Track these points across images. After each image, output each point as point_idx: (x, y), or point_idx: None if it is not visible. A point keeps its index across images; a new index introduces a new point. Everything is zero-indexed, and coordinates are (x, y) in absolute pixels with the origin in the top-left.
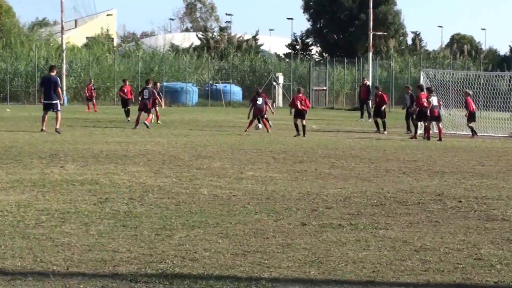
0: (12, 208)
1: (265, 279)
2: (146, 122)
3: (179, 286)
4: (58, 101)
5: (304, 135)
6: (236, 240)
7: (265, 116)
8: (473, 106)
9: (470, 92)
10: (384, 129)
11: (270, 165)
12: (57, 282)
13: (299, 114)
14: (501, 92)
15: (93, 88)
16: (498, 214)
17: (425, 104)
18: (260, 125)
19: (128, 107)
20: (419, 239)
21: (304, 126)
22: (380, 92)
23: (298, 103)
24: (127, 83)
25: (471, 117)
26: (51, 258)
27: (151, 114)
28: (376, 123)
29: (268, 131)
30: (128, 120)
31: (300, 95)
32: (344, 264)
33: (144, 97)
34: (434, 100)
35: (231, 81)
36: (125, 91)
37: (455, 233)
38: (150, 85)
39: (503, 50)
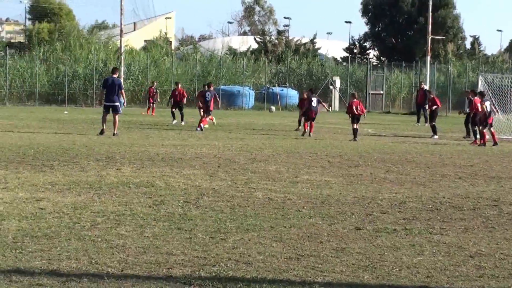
0: (68, 209)
1: (318, 283)
2: (204, 124)
3: None
4: (119, 103)
5: (355, 139)
6: (290, 244)
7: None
8: (478, 107)
9: (477, 91)
10: (435, 133)
11: (326, 169)
12: (112, 284)
13: (356, 119)
14: None
15: (155, 91)
16: None
17: (479, 109)
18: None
19: (182, 111)
20: (474, 245)
21: (356, 130)
22: (432, 96)
23: (354, 109)
24: (179, 85)
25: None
26: (106, 260)
27: (209, 117)
28: (433, 127)
29: (310, 134)
30: (182, 123)
31: (355, 100)
32: (398, 269)
33: (207, 99)
34: (488, 105)
35: (287, 84)
36: (176, 93)
37: (511, 239)
38: (212, 88)
39: None
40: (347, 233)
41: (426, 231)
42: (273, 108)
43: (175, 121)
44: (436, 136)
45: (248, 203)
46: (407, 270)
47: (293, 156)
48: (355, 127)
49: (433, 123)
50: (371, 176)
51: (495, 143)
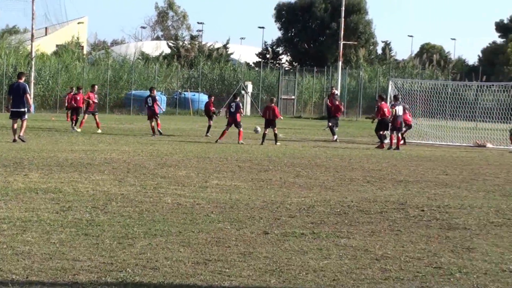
0: None
1: (225, 287)
2: (159, 129)
3: None
4: (25, 109)
5: (276, 143)
6: (198, 249)
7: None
8: (385, 111)
9: (384, 97)
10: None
11: (235, 174)
12: None
13: (269, 124)
14: (468, 101)
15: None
16: (460, 223)
17: (387, 113)
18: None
19: (76, 115)
20: (380, 248)
21: (275, 135)
22: (337, 103)
23: (267, 113)
24: (81, 91)
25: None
26: (11, 267)
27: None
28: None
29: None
30: (73, 128)
31: (272, 105)
32: (305, 273)
33: (149, 104)
34: (399, 109)
35: (199, 89)
36: (77, 98)
37: (416, 242)
38: (154, 93)
39: (471, 60)
40: (255, 238)
41: (334, 234)
42: (258, 128)
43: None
44: (335, 137)
45: (156, 208)
46: (314, 273)
47: (203, 161)
48: (267, 131)
49: (330, 124)
50: (280, 180)
51: (397, 148)
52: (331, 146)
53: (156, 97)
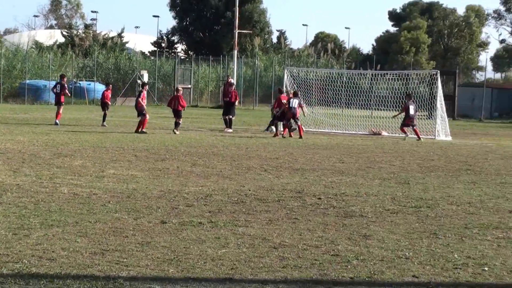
0: None
1: (123, 277)
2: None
3: (35, 286)
4: None
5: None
6: (95, 239)
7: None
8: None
9: (283, 90)
10: (230, 127)
11: (132, 163)
12: None
13: (176, 114)
14: (363, 90)
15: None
16: (356, 210)
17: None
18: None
19: None
20: (278, 236)
21: (177, 123)
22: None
23: (173, 103)
24: None
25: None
26: None
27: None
28: (225, 120)
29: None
30: None
31: (179, 94)
32: (203, 261)
33: (57, 91)
34: (294, 102)
35: (95, 79)
36: None
37: (314, 230)
38: (64, 81)
39: (366, 49)
40: (153, 227)
41: (231, 223)
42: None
43: None
44: (231, 130)
45: (52, 199)
46: (212, 262)
47: (99, 150)
48: (178, 121)
49: (231, 117)
50: (177, 169)
51: (298, 136)
52: (228, 135)
53: (65, 85)
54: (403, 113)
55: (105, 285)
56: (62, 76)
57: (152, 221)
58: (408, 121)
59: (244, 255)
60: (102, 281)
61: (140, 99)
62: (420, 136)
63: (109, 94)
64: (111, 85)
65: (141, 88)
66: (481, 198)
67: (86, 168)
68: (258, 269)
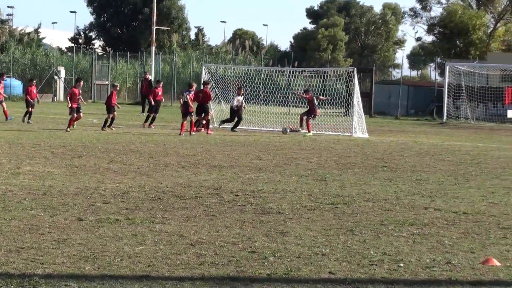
0: None
1: (38, 275)
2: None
3: None
4: None
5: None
6: (10, 237)
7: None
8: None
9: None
10: (151, 123)
11: (49, 160)
12: None
13: (111, 109)
14: (281, 87)
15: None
16: (274, 207)
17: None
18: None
19: None
20: (195, 233)
21: (112, 119)
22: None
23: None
24: None
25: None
26: None
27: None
28: (148, 117)
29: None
30: None
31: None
32: (120, 259)
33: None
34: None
35: (11, 74)
36: None
37: (231, 227)
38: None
39: (284, 46)
40: (69, 224)
41: (148, 220)
42: (287, 129)
43: None
44: (152, 127)
45: None
46: (129, 259)
47: (15, 147)
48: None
49: (154, 114)
50: (94, 166)
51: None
52: (146, 132)
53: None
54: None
55: (21, 283)
56: (1, 74)
57: (68, 218)
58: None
59: (161, 252)
60: (18, 279)
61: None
62: (311, 131)
63: (33, 89)
64: (34, 81)
65: (112, 89)
66: (397, 195)
67: (1, 165)
68: (175, 266)
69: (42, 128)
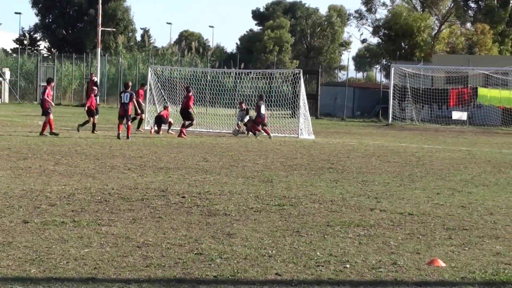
0: None
1: None
2: None
3: None
4: None
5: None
6: None
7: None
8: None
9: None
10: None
11: None
12: None
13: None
14: (227, 89)
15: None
16: (220, 209)
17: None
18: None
19: None
20: (142, 235)
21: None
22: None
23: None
24: None
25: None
26: None
27: None
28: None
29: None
30: None
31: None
32: (66, 261)
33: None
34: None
35: None
36: None
37: (178, 229)
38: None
39: (230, 48)
40: (14, 227)
41: (95, 222)
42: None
43: None
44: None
45: None
46: (75, 262)
47: None
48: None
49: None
50: (40, 168)
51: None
52: (92, 135)
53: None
54: (255, 112)
55: None
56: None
57: (13, 220)
58: (259, 120)
59: (108, 254)
60: None
61: (45, 97)
62: (270, 134)
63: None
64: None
65: (46, 84)
66: (343, 196)
67: None
68: (122, 268)
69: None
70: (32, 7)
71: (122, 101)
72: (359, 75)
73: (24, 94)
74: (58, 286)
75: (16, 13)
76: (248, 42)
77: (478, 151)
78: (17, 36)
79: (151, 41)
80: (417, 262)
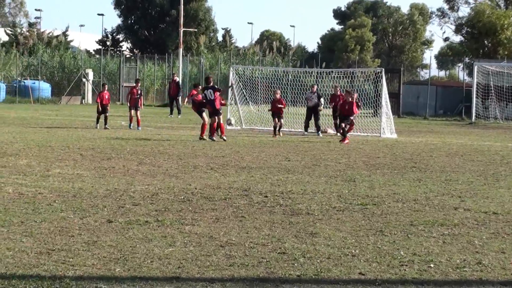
0: None
1: (69, 277)
2: None
3: None
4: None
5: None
6: (41, 239)
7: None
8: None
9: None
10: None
11: (78, 162)
12: None
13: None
14: (308, 88)
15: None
16: (303, 208)
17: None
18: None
19: None
20: (225, 234)
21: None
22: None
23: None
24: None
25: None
26: None
27: None
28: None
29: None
30: None
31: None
32: (150, 260)
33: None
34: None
35: (39, 77)
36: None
37: (261, 228)
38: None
39: (311, 47)
40: (99, 226)
41: (178, 222)
42: (232, 120)
43: None
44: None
45: None
46: (159, 261)
47: (44, 149)
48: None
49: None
50: (123, 168)
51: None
52: (175, 134)
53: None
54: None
55: (52, 285)
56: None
57: (98, 220)
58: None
59: (191, 253)
60: (48, 281)
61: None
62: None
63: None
64: (106, 85)
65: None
66: (427, 195)
67: (31, 167)
68: (205, 267)
69: (71, 130)
70: (114, 8)
71: (208, 99)
72: (442, 73)
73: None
74: (143, 285)
75: (99, 14)
76: (330, 41)
77: None
78: (99, 37)
79: (233, 41)
80: (503, 261)
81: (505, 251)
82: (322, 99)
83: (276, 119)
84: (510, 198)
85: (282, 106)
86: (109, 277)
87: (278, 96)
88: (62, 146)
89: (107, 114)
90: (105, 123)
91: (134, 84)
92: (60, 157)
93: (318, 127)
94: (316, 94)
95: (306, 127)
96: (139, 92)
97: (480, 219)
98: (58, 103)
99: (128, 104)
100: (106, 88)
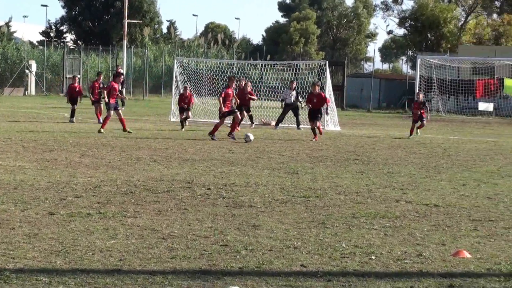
0: None
1: (9, 270)
2: None
3: None
4: None
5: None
6: None
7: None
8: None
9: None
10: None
11: (20, 154)
12: None
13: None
14: (253, 80)
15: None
16: (245, 200)
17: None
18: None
19: None
20: (167, 227)
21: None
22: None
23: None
24: None
25: None
26: None
27: None
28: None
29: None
30: None
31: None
32: (91, 253)
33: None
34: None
35: None
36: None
37: (203, 220)
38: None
39: (256, 39)
40: (40, 219)
41: (120, 214)
42: (250, 136)
43: None
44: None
45: None
46: (100, 253)
47: None
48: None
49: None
50: (66, 160)
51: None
52: (118, 126)
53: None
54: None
55: None
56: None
57: (39, 212)
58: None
59: (133, 246)
60: None
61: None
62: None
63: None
64: (77, 77)
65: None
66: (369, 188)
67: None
68: (147, 260)
69: (13, 123)
70: None
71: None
72: (385, 66)
73: (51, 87)
74: (84, 278)
75: (42, 5)
76: (274, 33)
77: (505, 142)
78: (43, 28)
79: (177, 33)
80: (443, 253)
81: (446, 243)
82: (300, 97)
83: (245, 112)
84: (451, 190)
85: (254, 98)
86: (50, 269)
87: (249, 88)
88: (4, 138)
89: (75, 107)
90: (72, 116)
91: (96, 78)
92: (1, 149)
93: (298, 123)
94: (295, 91)
95: (279, 122)
96: (101, 86)
97: (422, 211)
98: (0, 94)
99: (92, 98)
100: (77, 81)
